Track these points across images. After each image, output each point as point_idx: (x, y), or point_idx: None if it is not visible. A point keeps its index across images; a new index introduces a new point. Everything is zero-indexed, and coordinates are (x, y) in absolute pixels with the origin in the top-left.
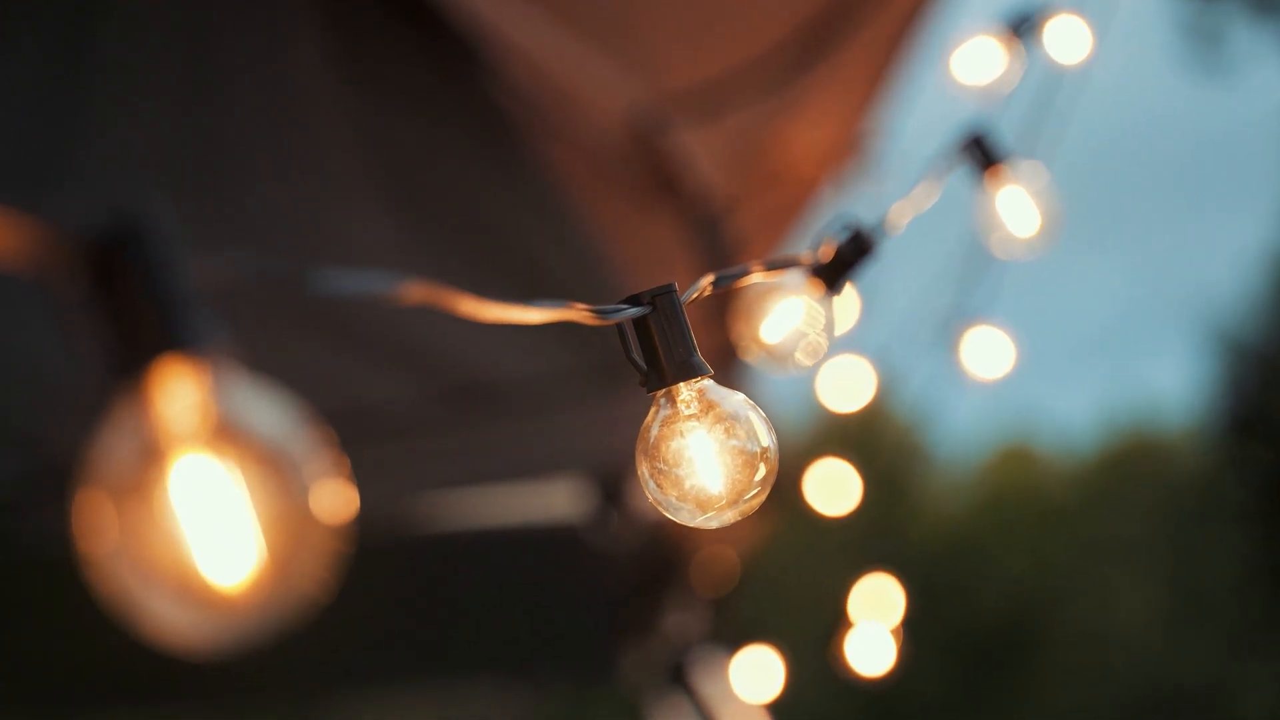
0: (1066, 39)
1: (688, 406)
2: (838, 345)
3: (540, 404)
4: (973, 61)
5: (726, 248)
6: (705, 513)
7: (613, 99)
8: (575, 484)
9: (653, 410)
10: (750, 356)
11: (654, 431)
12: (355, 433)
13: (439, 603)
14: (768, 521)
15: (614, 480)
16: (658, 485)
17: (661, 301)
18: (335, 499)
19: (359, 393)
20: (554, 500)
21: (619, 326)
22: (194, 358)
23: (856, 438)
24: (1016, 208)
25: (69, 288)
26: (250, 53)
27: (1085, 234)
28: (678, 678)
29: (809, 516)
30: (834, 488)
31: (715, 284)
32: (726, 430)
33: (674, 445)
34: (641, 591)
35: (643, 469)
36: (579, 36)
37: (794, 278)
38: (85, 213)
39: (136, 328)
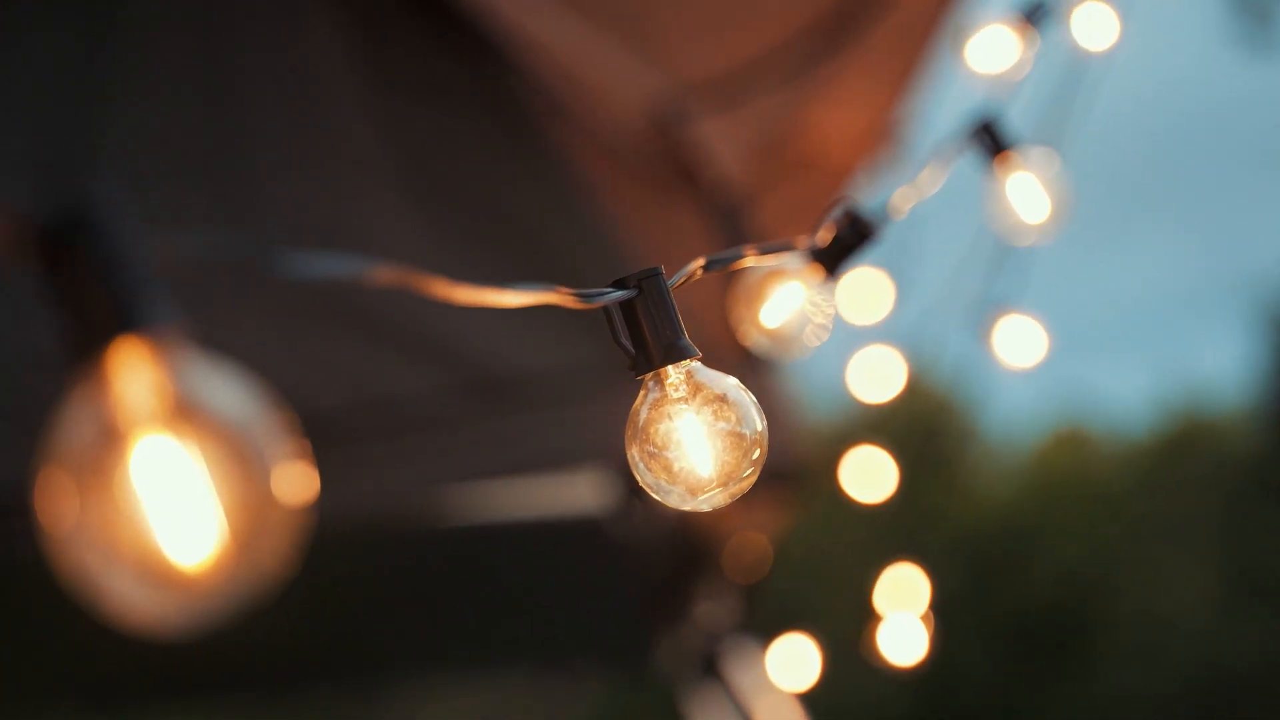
0: (1093, 24)
1: (676, 389)
2: (869, 334)
3: (564, 395)
4: (987, 49)
5: (749, 238)
6: (696, 495)
7: (632, 90)
8: (599, 475)
9: (641, 393)
10: (750, 341)
11: (643, 414)
12: (381, 425)
13: (470, 595)
14: (799, 509)
15: None
16: (648, 468)
17: (648, 285)
18: (296, 480)
19: (384, 386)
20: (578, 492)
21: (606, 310)
22: (150, 339)
23: (905, 424)
24: (1027, 194)
25: (23, 271)
26: (270, 44)
27: (1138, 215)
28: (710, 667)
29: (857, 505)
30: (870, 474)
31: (708, 267)
32: (715, 412)
33: (663, 428)
34: (672, 581)
35: (633, 452)
36: (598, 27)
37: (794, 262)
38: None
39: (91, 311)
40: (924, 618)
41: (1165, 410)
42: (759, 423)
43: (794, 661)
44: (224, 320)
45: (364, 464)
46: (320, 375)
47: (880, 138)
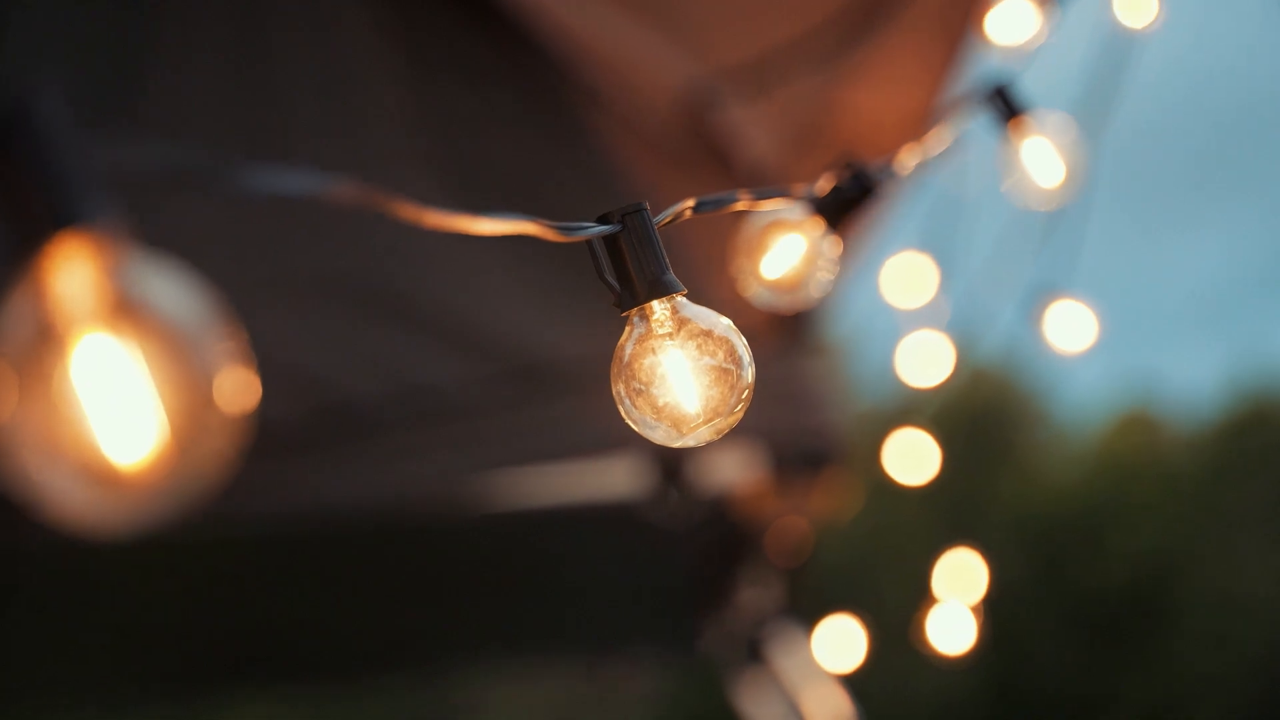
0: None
1: (661, 325)
2: (918, 318)
3: (600, 382)
4: (1007, 22)
5: None
6: (682, 431)
7: (665, 75)
8: (636, 461)
9: (627, 329)
10: (750, 291)
11: (628, 350)
12: (419, 413)
13: (516, 583)
14: (844, 492)
15: (674, 457)
16: (634, 405)
17: (632, 220)
18: (237, 383)
19: (423, 374)
20: (615, 478)
21: (590, 245)
22: (89, 236)
23: (969, 409)
24: (1042, 158)
25: None
26: (303, 24)
27: (1207, 197)
28: (756, 652)
29: (907, 488)
30: (914, 458)
31: (698, 208)
32: (699, 347)
33: (648, 363)
34: (714, 566)
35: (618, 388)
36: (630, 11)
37: (794, 211)
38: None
39: (30, 208)
40: (975, 606)
41: (1235, 392)
42: (746, 358)
43: (841, 645)
44: (261, 312)
45: (404, 452)
46: (358, 364)
47: (927, 119)
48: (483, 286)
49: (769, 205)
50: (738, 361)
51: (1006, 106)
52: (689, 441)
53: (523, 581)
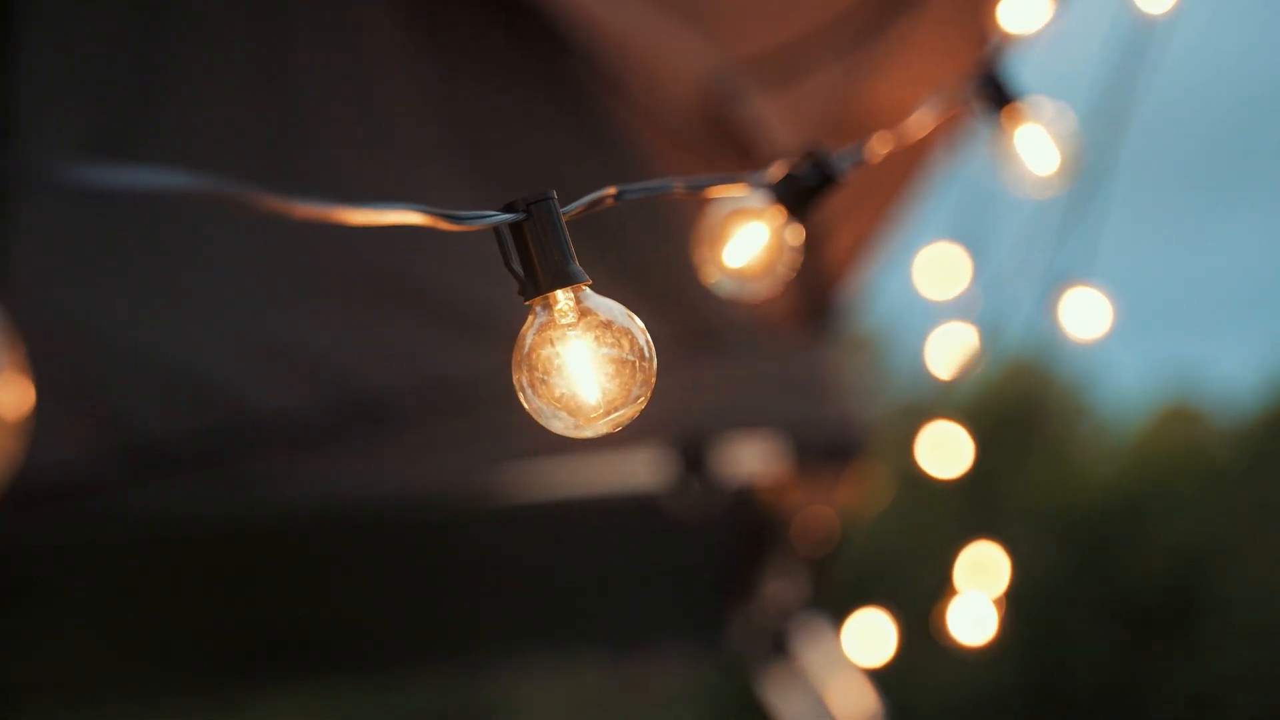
0: None
1: (564, 315)
2: (945, 311)
3: None
4: (1020, 10)
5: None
6: (581, 422)
7: (688, 66)
8: (657, 453)
9: (529, 318)
10: (712, 280)
11: (529, 339)
12: (440, 404)
13: (539, 574)
14: (870, 484)
15: (696, 448)
16: (536, 394)
17: (537, 209)
18: (9, 389)
19: (441, 366)
20: (637, 469)
21: (496, 233)
22: None
23: (1007, 402)
24: (1035, 146)
25: None
26: (325, 21)
27: (1250, 186)
28: (781, 644)
29: (965, 483)
30: (946, 450)
31: (620, 196)
32: (598, 338)
33: (547, 353)
34: (739, 558)
35: (519, 377)
36: (653, 3)
37: (756, 201)
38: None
39: None
40: (999, 599)
41: (1276, 383)
42: (646, 349)
43: (871, 639)
44: (284, 304)
45: (427, 444)
46: (377, 356)
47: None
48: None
49: (707, 193)
50: (639, 353)
51: (999, 94)
52: (587, 432)
53: (547, 574)
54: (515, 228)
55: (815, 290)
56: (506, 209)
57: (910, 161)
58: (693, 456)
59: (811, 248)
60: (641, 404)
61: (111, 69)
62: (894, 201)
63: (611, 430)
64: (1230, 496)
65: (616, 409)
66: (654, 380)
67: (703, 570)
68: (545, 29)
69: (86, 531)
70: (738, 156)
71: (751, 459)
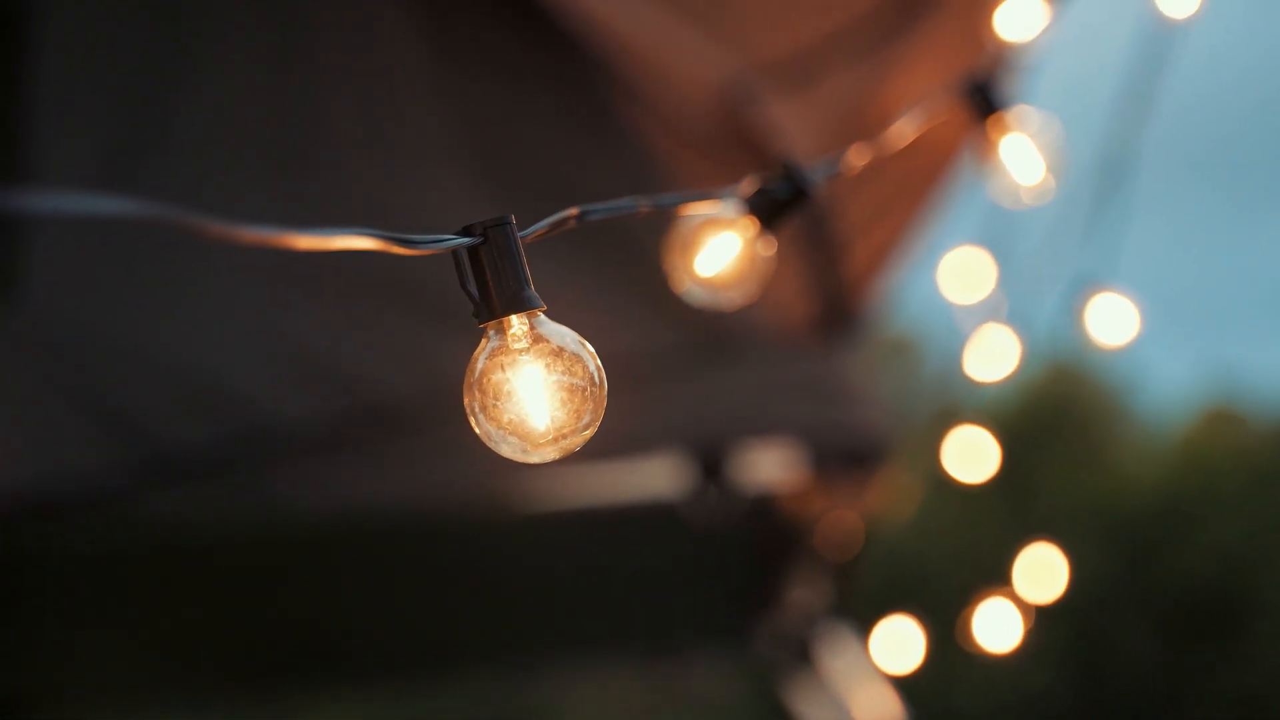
0: None
1: (517, 340)
2: (980, 312)
3: (638, 380)
4: (1015, 18)
5: (820, 218)
6: (529, 447)
7: (703, 71)
8: (675, 460)
9: (482, 342)
10: (683, 289)
11: (480, 364)
12: (451, 410)
13: (565, 581)
14: (895, 490)
15: (714, 455)
16: (487, 417)
17: (495, 233)
18: None
19: (458, 371)
20: (654, 477)
21: (454, 256)
22: None
23: (1054, 404)
24: (1021, 156)
25: None
26: (339, 25)
27: None
28: (806, 651)
29: (1006, 487)
30: (973, 454)
31: (582, 216)
32: (549, 365)
33: (497, 378)
34: (762, 565)
35: (469, 400)
36: (669, 7)
37: (729, 212)
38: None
39: None
40: (1027, 605)
41: None
42: (597, 376)
43: (897, 645)
44: (298, 309)
45: (441, 450)
46: (393, 362)
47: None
48: None
49: (676, 210)
50: (589, 379)
51: (986, 103)
52: (534, 459)
53: (572, 582)
54: (472, 251)
55: (837, 297)
56: (464, 232)
57: (935, 167)
58: (711, 464)
59: (834, 255)
60: (590, 431)
61: (127, 76)
62: (919, 208)
63: (560, 457)
64: (1275, 498)
65: (565, 435)
66: (604, 407)
67: (726, 578)
68: (560, 33)
69: (103, 540)
70: (753, 161)
71: (770, 466)
